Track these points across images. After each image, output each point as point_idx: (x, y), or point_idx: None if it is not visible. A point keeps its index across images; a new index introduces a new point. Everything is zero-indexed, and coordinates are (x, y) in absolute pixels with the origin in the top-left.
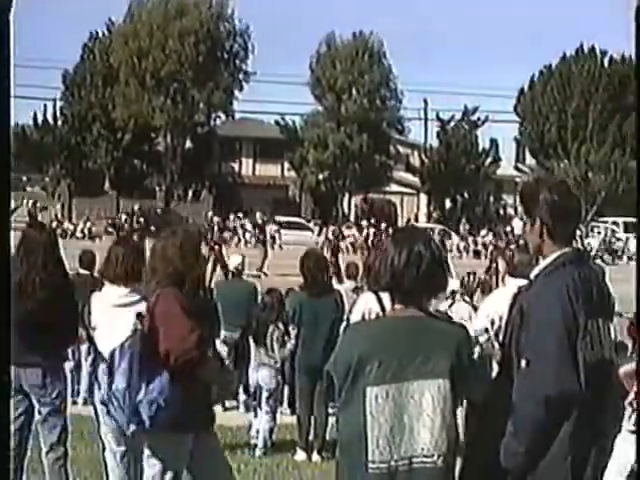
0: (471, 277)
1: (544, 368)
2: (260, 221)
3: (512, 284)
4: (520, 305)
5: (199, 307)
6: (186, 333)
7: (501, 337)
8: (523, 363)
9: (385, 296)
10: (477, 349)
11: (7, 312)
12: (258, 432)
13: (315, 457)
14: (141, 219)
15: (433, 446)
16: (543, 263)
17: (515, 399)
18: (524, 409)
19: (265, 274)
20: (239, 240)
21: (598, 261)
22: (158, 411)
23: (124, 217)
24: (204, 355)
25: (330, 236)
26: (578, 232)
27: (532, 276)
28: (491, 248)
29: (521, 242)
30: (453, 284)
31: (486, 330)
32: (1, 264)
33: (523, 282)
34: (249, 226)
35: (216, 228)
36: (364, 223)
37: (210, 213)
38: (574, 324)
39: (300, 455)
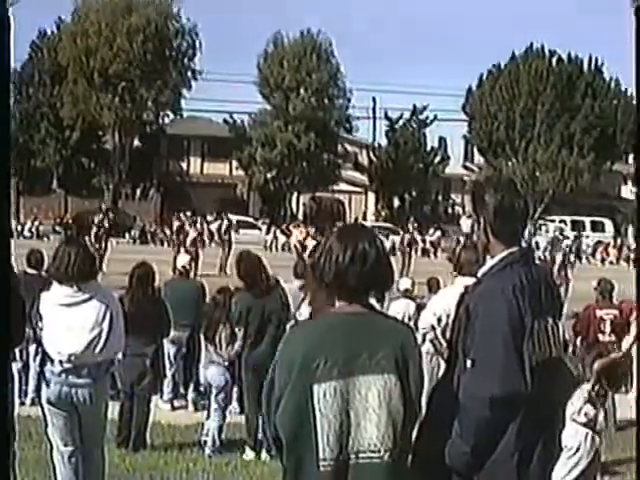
0: None
1: (489, 368)
2: (227, 222)
3: (460, 283)
4: (466, 305)
5: None
6: None
7: (448, 335)
8: (468, 363)
9: None
10: (424, 346)
11: (6, 313)
12: (209, 431)
13: (264, 456)
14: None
15: (380, 441)
16: (490, 262)
17: (461, 399)
18: (470, 409)
19: (226, 273)
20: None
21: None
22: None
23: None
24: None
25: (299, 236)
26: (526, 231)
27: (479, 275)
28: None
29: (468, 241)
30: (405, 283)
31: (432, 327)
32: (1, 265)
33: (471, 281)
34: (199, 225)
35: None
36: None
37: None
38: (520, 324)
39: (249, 454)
